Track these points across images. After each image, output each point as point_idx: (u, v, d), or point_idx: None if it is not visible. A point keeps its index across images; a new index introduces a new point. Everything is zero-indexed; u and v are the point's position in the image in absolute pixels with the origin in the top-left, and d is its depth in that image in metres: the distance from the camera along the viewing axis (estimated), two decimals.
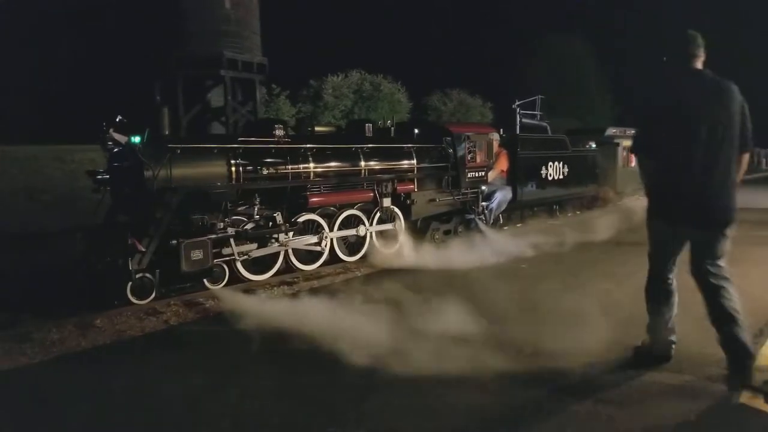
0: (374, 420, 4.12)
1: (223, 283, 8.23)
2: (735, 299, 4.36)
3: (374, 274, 9.23)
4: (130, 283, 7.26)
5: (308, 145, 9.18)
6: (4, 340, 6.09)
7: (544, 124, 21.06)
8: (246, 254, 8.20)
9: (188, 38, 21.83)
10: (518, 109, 22.92)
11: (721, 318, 4.32)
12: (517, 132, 16.73)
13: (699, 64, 4.51)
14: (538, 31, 38.07)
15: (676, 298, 4.75)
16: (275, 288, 8.44)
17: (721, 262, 4.45)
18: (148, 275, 7.45)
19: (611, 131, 17.46)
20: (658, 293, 4.76)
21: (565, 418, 4.00)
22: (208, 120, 22.63)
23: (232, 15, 22.51)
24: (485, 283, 7.80)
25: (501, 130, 13.28)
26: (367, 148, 9.90)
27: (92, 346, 5.98)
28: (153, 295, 7.48)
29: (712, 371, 4.52)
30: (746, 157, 4.56)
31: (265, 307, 7.00)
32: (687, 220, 4.43)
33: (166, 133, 8.03)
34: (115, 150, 7.93)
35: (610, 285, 7.64)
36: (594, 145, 16.09)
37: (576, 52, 37.53)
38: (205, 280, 8.05)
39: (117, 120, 7.68)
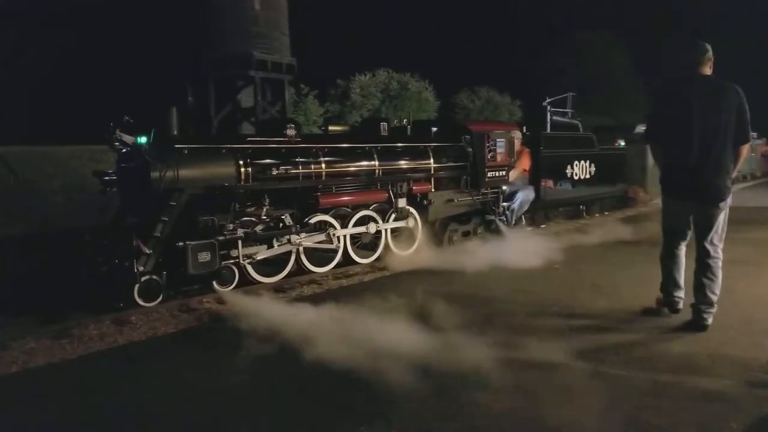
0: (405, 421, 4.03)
1: (233, 285, 8.02)
2: (717, 282, 5.59)
3: (400, 275, 8.92)
4: (137, 285, 7.09)
5: (319, 145, 8.91)
6: (45, 335, 6.20)
7: (576, 121, 20.52)
8: (251, 257, 7.93)
9: (219, 40, 21.81)
10: (549, 107, 22.46)
11: (697, 288, 5.61)
12: (548, 130, 16.23)
13: (705, 69, 5.55)
14: (570, 27, 37.26)
15: (682, 264, 5.88)
16: (305, 287, 8.37)
17: (718, 244, 5.60)
18: (155, 277, 7.27)
19: (641, 128, 16.81)
20: (668, 258, 5.92)
21: None
22: (239, 120, 22.65)
23: (261, 16, 22.43)
24: (511, 285, 7.68)
25: (524, 128, 12.84)
26: (381, 147, 9.58)
27: (128, 341, 6.12)
28: (161, 297, 7.31)
29: (752, 376, 4.55)
30: (744, 149, 5.55)
31: (292, 309, 6.92)
32: (688, 197, 5.56)
33: (174, 133, 7.82)
34: (123, 150, 7.76)
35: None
36: (623, 143, 15.49)
37: (609, 47, 36.64)
38: (214, 283, 7.85)
39: (124, 120, 7.50)
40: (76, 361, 5.53)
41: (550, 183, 12.56)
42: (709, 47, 5.54)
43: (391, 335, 5.47)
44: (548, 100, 23.76)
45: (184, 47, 21.96)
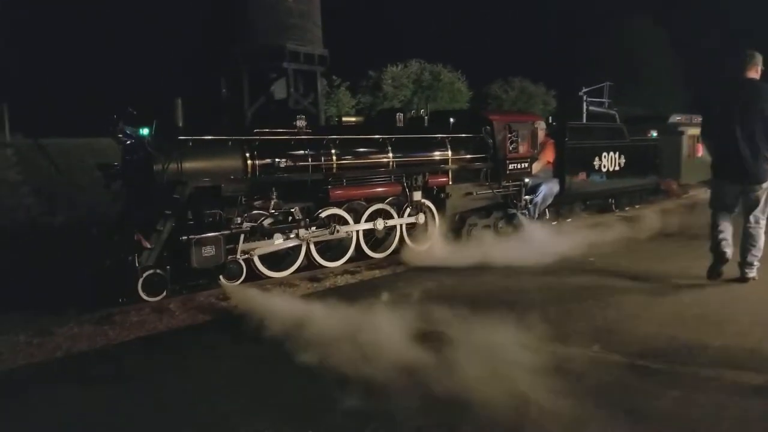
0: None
1: (240, 280, 7.76)
2: (759, 246, 6.89)
3: (411, 272, 8.55)
4: (141, 280, 6.88)
5: (330, 136, 8.56)
6: (89, 322, 6.34)
7: (613, 112, 19.80)
8: (248, 253, 7.63)
9: (253, 32, 21.69)
10: (585, 97, 21.78)
11: (743, 252, 6.96)
12: (584, 120, 15.63)
13: (752, 74, 6.73)
14: (606, 15, 36.02)
15: (729, 232, 7.04)
16: (338, 276, 8.37)
17: (761, 216, 6.87)
18: (159, 271, 7.05)
19: (675, 118, 16.02)
20: (716, 228, 7.08)
21: None
22: (272, 112, 22.51)
23: (294, 7, 22.22)
24: (534, 283, 7.38)
25: (549, 118, 12.28)
26: (396, 138, 9.18)
27: (167, 328, 6.23)
28: (165, 292, 7.08)
29: None
30: None
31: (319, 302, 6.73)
32: (736, 180, 6.84)
33: (180, 124, 7.55)
34: (128, 143, 7.54)
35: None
36: (655, 134, 14.74)
37: (646, 36, 35.35)
38: (221, 277, 7.60)
39: (128, 112, 7.27)
40: (118, 346, 5.66)
41: (576, 175, 11.97)
42: (756, 54, 6.72)
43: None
44: (584, 90, 23.02)
45: (217, 40, 21.90)
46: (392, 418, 3.90)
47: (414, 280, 7.94)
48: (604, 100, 23.91)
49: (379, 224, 8.97)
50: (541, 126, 11.24)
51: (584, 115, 19.31)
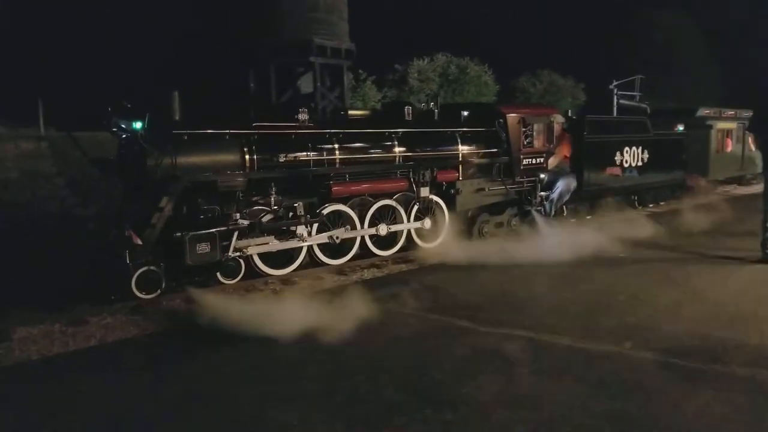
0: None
1: (238, 277, 7.46)
2: None
3: (417, 271, 8.19)
4: (135, 277, 6.63)
5: (332, 131, 8.18)
6: (121, 312, 6.42)
7: (644, 105, 19.05)
8: (240, 251, 7.31)
9: (281, 26, 21.50)
10: (615, 90, 21.07)
11: None
12: (615, 114, 15.01)
13: None
14: (639, 5, 34.77)
15: None
16: (365, 270, 8.24)
17: None
18: (153, 268, 6.78)
19: (703, 112, 15.19)
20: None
21: None
22: (298, 106, 22.30)
23: (321, 2, 21.98)
24: (545, 283, 7.05)
25: (568, 111, 11.69)
26: (402, 132, 8.76)
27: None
28: (160, 289, 6.82)
29: None
30: None
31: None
32: None
33: (177, 118, 7.25)
34: (124, 136, 7.26)
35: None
36: (682, 128, 13.98)
37: (679, 28, 34.04)
38: (218, 274, 7.31)
39: (122, 105, 6.99)
40: (149, 336, 5.69)
41: (595, 171, 11.36)
42: None
43: None
44: (615, 83, 22.26)
45: (246, 33, 21.77)
46: None
47: (411, 281, 7.56)
48: (635, 93, 23.09)
49: (382, 230, 8.57)
50: (558, 120, 10.69)
51: (615, 108, 18.71)
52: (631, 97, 22.43)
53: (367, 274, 8.07)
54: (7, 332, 5.81)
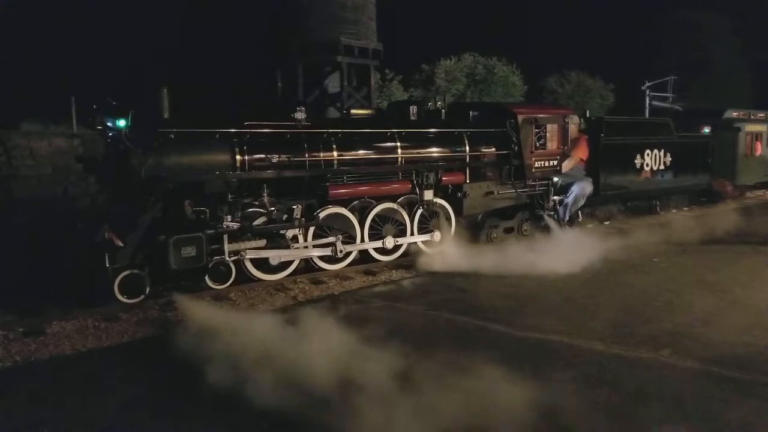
0: None
1: (229, 282, 7.04)
2: None
3: (418, 280, 7.63)
4: (117, 281, 6.29)
5: (330, 130, 7.69)
6: (151, 308, 6.42)
7: (677, 107, 18.16)
8: (237, 254, 6.89)
9: (309, 26, 21.22)
10: (648, 91, 20.27)
11: None
12: (647, 115, 14.23)
13: None
14: (673, 5, 33.42)
15: None
16: (393, 271, 8.03)
17: None
18: (137, 272, 6.41)
19: (731, 114, 14.22)
20: None
21: None
22: (325, 106, 22.00)
23: (349, 2, 21.62)
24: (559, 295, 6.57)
25: (586, 112, 10.99)
26: (405, 132, 8.22)
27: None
28: (143, 294, 6.48)
29: None
30: None
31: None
32: None
33: (166, 115, 6.85)
34: (111, 135, 6.88)
35: None
36: (707, 130, 13.10)
37: (712, 28, 32.59)
38: (207, 278, 6.91)
39: (107, 103, 6.62)
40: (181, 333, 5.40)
41: (612, 175, 10.62)
42: None
43: None
44: (647, 84, 21.40)
45: (273, 33, 21.53)
46: None
47: (408, 293, 7.04)
48: (667, 94, 22.15)
49: (389, 242, 8.10)
50: (573, 120, 10.00)
51: (647, 110, 17.98)
52: (664, 99, 21.52)
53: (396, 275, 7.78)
54: (41, 326, 5.78)
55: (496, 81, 27.42)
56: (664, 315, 5.69)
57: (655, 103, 20.46)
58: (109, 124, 6.71)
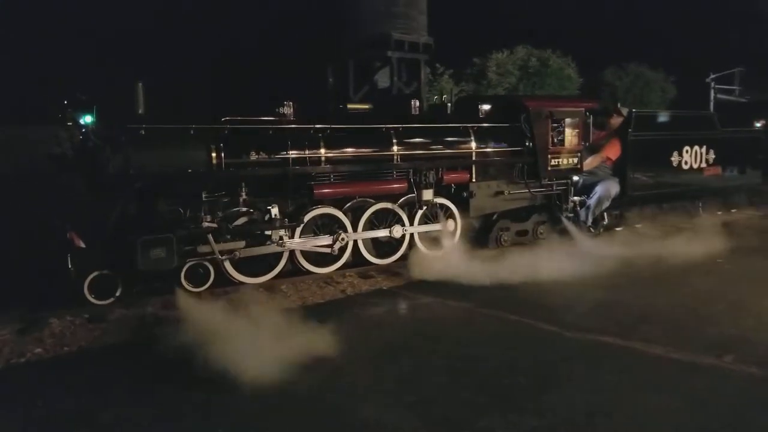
0: None
1: (207, 285, 6.56)
2: None
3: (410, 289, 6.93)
4: (87, 282, 5.96)
5: (317, 126, 7.05)
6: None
7: (743, 100, 16.62)
8: (231, 254, 6.44)
9: (359, 20, 20.82)
10: (713, 84, 18.76)
11: None
12: (711, 109, 12.93)
13: None
14: None
15: None
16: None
17: None
18: (106, 272, 6.04)
19: None
20: None
21: None
22: (375, 101, 21.53)
23: None
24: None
25: (617, 104, 9.88)
26: (403, 128, 7.47)
27: (281, 308, 5.85)
28: (114, 296, 6.14)
29: None
30: None
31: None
32: None
33: (140, 111, 6.40)
34: (81, 131, 6.49)
35: None
36: (759, 124, 11.63)
37: None
38: (183, 281, 6.44)
39: (76, 97, 6.22)
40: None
41: (643, 174, 9.44)
42: None
43: None
44: (712, 76, 19.96)
45: (325, 28, 21.24)
46: None
47: (393, 305, 6.43)
48: (734, 87, 20.56)
49: (397, 231, 7.53)
50: (609, 115, 8.91)
51: (711, 103, 16.55)
52: (730, 92, 19.79)
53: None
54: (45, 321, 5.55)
55: (549, 74, 26.06)
56: (729, 319, 5.33)
57: (720, 96, 18.90)
58: (77, 120, 6.33)
